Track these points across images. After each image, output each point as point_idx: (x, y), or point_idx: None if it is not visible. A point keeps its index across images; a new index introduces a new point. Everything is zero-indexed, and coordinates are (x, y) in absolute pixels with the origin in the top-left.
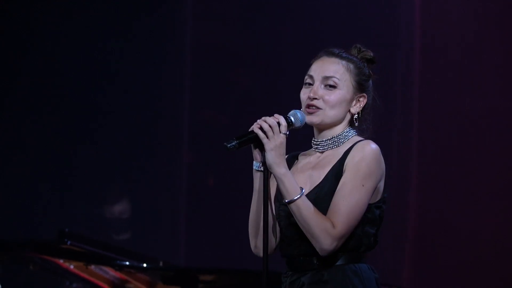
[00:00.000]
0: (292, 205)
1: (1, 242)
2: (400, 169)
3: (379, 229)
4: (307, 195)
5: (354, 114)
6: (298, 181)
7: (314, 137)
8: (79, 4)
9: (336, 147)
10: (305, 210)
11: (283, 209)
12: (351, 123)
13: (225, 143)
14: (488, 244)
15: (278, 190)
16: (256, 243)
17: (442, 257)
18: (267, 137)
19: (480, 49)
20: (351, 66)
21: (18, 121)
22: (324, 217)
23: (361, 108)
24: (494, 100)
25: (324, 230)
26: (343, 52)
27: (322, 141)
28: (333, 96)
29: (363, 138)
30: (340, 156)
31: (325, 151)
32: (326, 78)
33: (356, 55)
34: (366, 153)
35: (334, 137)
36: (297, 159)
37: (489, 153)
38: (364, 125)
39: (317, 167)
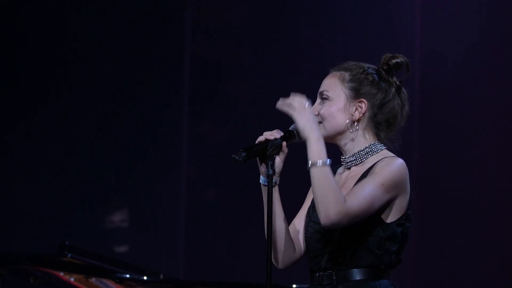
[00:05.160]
0: (317, 168)
1: (1, 255)
2: None
3: (402, 246)
4: None
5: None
6: None
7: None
8: (79, 15)
9: (361, 162)
10: (328, 176)
11: (312, 225)
12: (378, 137)
13: (233, 156)
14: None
15: (311, 205)
16: (275, 255)
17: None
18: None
19: (481, 64)
20: (346, 74)
21: (15, 130)
22: (340, 191)
23: (361, 114)
24: (496, 109)
25: (337, 199)
26: (348, 62)
27: (346, 158)
28: (324, 108)
29: (393, 155)
30: (366, 169)
31: (352, 167)
32: (320, 93)
33: (381, 62)
34: (392, 162)
35: (356, 153)
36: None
37: (490, 163)
38: (368, 131)
39: (344, 185)
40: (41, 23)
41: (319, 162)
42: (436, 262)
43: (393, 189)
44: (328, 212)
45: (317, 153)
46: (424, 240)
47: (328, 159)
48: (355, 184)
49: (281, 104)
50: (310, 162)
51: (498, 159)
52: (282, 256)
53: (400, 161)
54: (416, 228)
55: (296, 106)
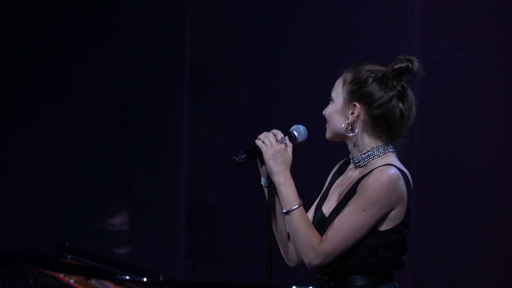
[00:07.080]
0: (287, 216)
1: (1, 255)
2: None
3: (400, 251)
4: (331, 212)
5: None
6: (332, 197)
7: None
8: (79, 15)
9: (363, 166)
10: (296, 222)
11: (314, 224)
12: (382, 140)
13: (233, 157)
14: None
15: (319, 201)
16: (283, 253)
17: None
18: (265, 146)
19: (481, 65)
20: (348, 76)
21: (15, 130)
22: (314, 232)
23: (355, 117)
24: (496, 109)
25: (309, 244)
26: (360, 63)
27: (353, 158)
28: (327, 109)
29: (393, 161)
30: (359, 177)
31: (358, 167)
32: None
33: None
34: (377, 179)
35: (359, 156)
36: (347, 168)
37: (490, 164)
38: (369, 135)
39: (346, 185)
40: (41, 23)
41: (286, 209)
42: (436, 264)
43: (379, 208)
44: (306, 259)
45: (285, 199)
46: (424, 241)
47: (297, 204)
48: (347, 191)
49: (257, 140)
50: (283, 209)
51: (498, 159)
52: (292, 254)
53: (386, 177)
54: (417, 230)
55: (266, 144)
